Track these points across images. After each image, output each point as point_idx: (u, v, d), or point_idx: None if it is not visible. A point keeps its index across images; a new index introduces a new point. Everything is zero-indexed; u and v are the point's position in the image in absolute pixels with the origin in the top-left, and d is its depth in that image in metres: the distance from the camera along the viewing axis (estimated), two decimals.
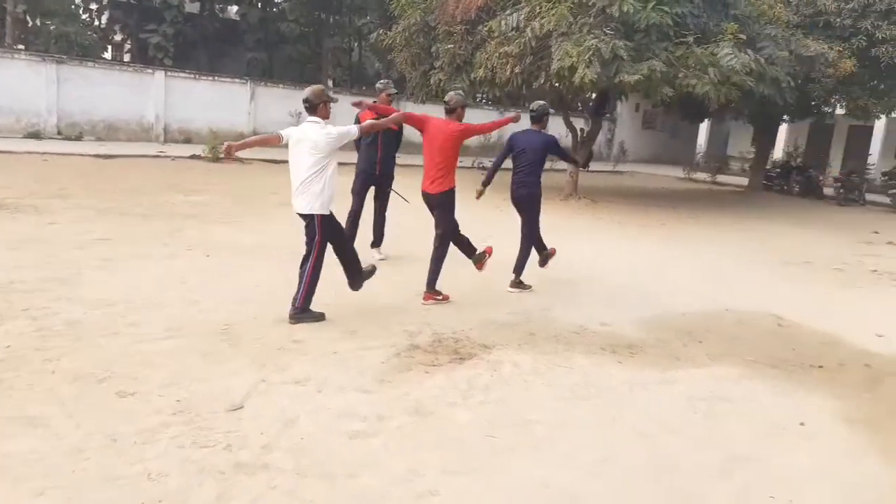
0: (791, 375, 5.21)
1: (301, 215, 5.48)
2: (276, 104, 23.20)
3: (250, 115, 22.76)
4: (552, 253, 7.39)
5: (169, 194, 11.47)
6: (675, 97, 12.58)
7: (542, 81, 12.71)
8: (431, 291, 6.35)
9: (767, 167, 23.03)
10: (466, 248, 6.76)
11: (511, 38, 12.65)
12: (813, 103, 18.66)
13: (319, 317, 5.48)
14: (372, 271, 6.08)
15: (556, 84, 12.75)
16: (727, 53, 11.81)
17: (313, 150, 5.28)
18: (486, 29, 13.25)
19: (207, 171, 15.29)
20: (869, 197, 20.81)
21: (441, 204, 6.39)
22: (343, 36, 31.86)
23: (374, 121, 6.29)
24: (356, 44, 33.69)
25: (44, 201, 9.81)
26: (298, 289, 5.45)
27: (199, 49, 28.44)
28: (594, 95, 16.01)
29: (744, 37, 12.16)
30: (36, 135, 18.68)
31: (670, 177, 25.38)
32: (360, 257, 6.10)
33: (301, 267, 5.51)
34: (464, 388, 4.42)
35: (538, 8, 12.34)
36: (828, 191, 21.83)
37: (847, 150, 27.58)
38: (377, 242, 8.18)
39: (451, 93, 6.66)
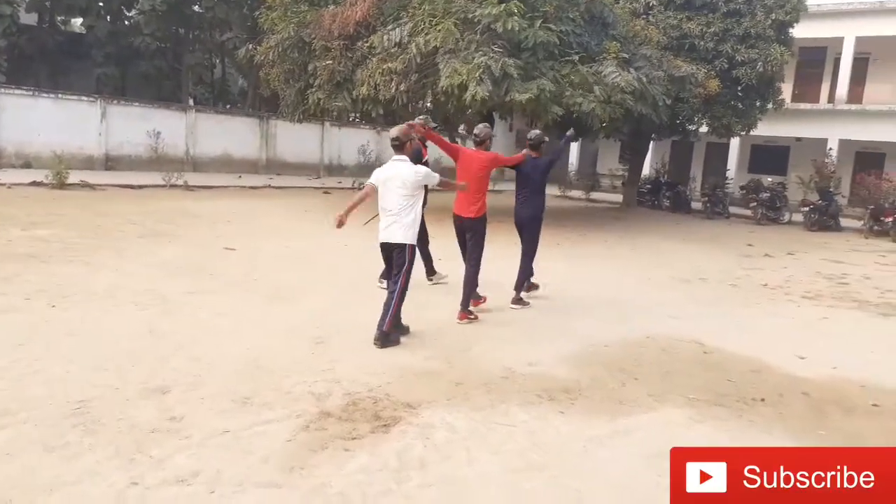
0: (739, 413, 4.80)
1: (387, 245, 5.77)
2: (132, 124, 21.23)
3: (101, 135, 20.60)
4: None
5: (4, 229, 9.75)
6: (559, 116, 12.43)
7: (428, 99, 12.13)
8: (465, 311, 6.69)
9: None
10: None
11: (394, 55, 12.00)
12: (678, 121, 19.44)
13: (405, 330, 5.86)
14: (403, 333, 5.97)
15: (444, 101, 12.21)
16: (612, 72, 11.82)
17: (402, 187, 5.60)
18: (367, 45, 12.52)
19: (52, 200, 13.38)
20: (731, 210, 22.01)
21: (475, 228, 6.80)
22: (204, 51, 29.94)
23: (448, 180, 6.40)
24: (218, 60, 31.84)
25: None
26: (385, 313, 5.63)
27: (38, 63, 25.57)
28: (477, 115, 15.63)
29: (626, 56, 12.23)
30: None
31: (547, 195, 25.63)
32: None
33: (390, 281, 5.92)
34: (395, 466, 3.59)
35: (422, 24, 11.79)
36: (695, 205, 22.90)
37: (706, 165, 29.29)
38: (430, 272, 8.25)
39: (481, 125, 7.13)
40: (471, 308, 6.78)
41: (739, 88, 18.22)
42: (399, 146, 5.68)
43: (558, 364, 5.57)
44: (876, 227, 18.65)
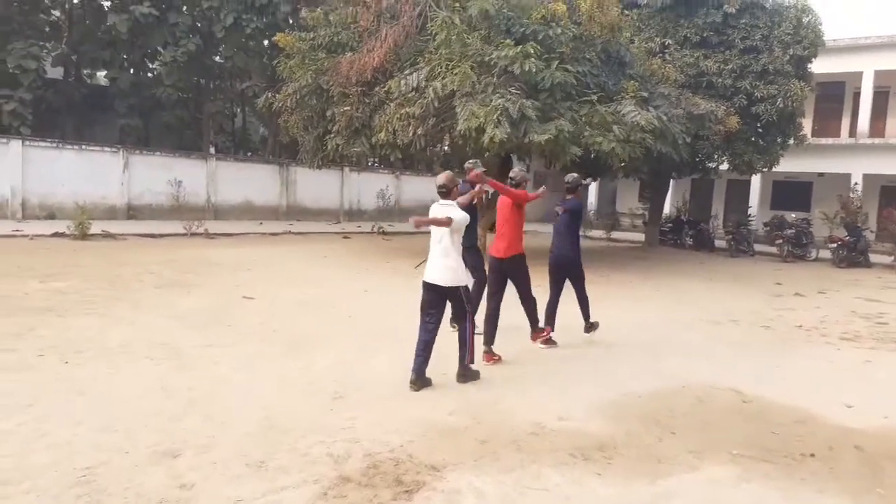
0: (788, 471, 4.46)
1: (435, 287, 5.81)
2: (153, 173, 21.46)
3: (124, 185, 20.82)
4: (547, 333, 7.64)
5: (21, 281, 9.69)
6: (578, 157, 12.27)
7: (446, 143, 12.06)
8: (537, 331, 7.35)
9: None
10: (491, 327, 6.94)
11: (412, 99, 11.97)
12: (698, 159, 19.22)
13: (477, 375, 6.07)
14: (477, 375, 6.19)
15: (462, 144, 12.12)
16: (631, 111, 11.68)
17: (440, 231, 5.81)
18: (384, 90, 12.53)
19: (73, 252, 13.39)
20: (755, 247, 21.60)
21: (510, 267, 6.93)
22: (225, 101, 30.43)
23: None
24: (239, 108, 32.34)
25: None
26: (463, 351, 5.96)
27: (65, 116, 26.10)
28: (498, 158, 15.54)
29: (645, 94, 12.11)
30: None
31: None
32: None
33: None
34: None
35: (438, 68, 11.78)
36: (718, 243, 22.52)
37: (728, 203, 28.96)
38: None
39: (516, 168, 7.66)
40: (546, 332, 7.42)
41: (759, 125, 18.01)
42: (446, 192, 5.93)
43: (590, 417, 5.27)
44: None
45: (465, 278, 5.94)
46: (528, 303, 7.19)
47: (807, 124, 22.51)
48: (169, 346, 6.56)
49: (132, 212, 20.95)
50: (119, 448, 4.16)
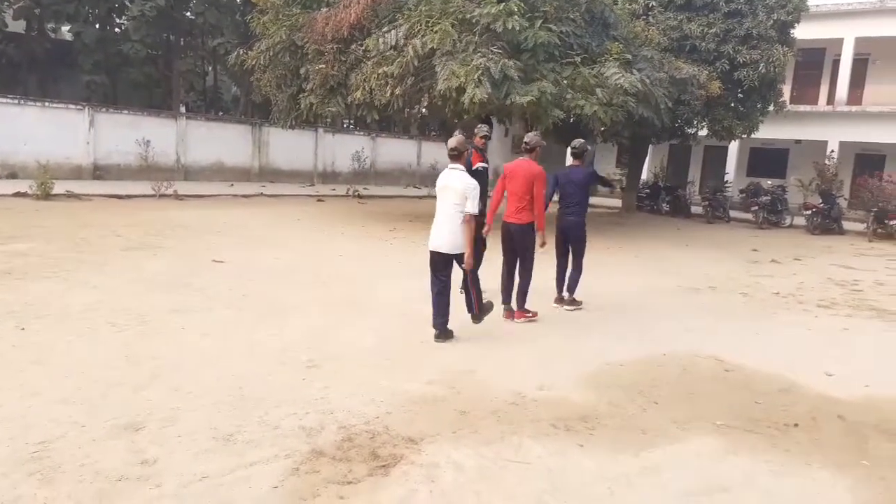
0: (773, 441, 4.37)
1: (439, 254, 5.92)
2: (120, 132, 20.72)
3: (89, 144, 20.08)
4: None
5: None
6: (560, 120, 12.00)
7: (425, 104, 11.71)
8: (522, 310, 6.99)
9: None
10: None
11: (390, 58, 11.57)
12: (677, 124, 19.04)
13: (490, 306, 6.38)
14: (490, 307, 6.45)
15: (441, 105, 11.78)
16: (614, 73, 11.42)
17: (454, 195, 5.80)
18: (362, 48, 12.09)
19: (35, 212, 12.88)
20: (731, 213, 21.65)
21: (521, 232, 6.81)
22: (196, 58, 29.52)
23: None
24: (210, 66, 31.41)
25: None
26: (469, 302, 6.27)
27: (27, 72, 25.11)
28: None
29: (629, 57, 11.84)
30: None
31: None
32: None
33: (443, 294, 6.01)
34: None
35: (418, 25, 11.37)
36: (694, 209, 22.54)
37: (704, 169, 28.97)
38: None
39: (532, 133, 7.12)
40: (526, 307, 7.06)
41: (741, 90, 17.85)
42: (456, 156, 5.92)
43: (572, 387, 5.13)
44: (880, 230, 18.33)
45: (462, 245, 5.89)
46: (526, 275, 6.98)
47: (785, 91, 22.39)
48: (134, 312, 6.27)
49: (98, 172, 20.28)
50: (77, 421, 3.91)
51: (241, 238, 11.49)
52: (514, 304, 7.07)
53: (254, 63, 14.41)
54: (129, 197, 16.24)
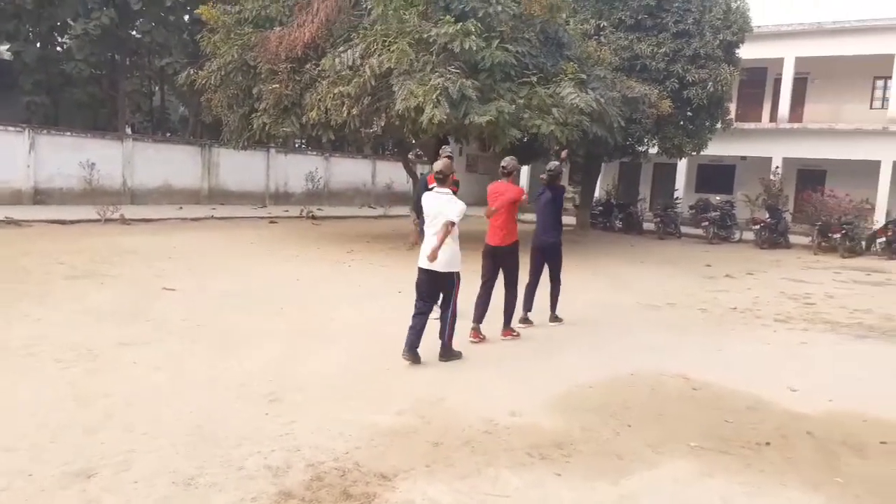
0: (747, 462, 4.35)
1: (430, 273, 6.02)
2: (63, 155, 19.97)
3: (30, 167, 19.29)
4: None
5: None
6: (517, 140, 12.03)
7: (382, 123, 11.59)
8: (508, 329, 7.22)
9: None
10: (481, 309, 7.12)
11: (346, 78, 11.43)
12: (628, 142, 19.34)
13: (459, 355, 6.26)
14: (459, 356, 6.37)
15: (399, 125, 11.68)
16: (570, 93, 11.51)
17: (440, 218, 5.92)
18: (317, 68, 11.92)
19: None
20: (682, 229, 22.08)
21: (505, 255, 7.07)
22: (142, 78, 28.81)
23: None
24: (157, 87, 30.68)
25: None
26: (444, 331, 6.16)
27: None
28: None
29: (584, 76, 11.98)
30: None
31: None
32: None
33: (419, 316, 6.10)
34: None
35: (374, 45, 11.28)
36: (646, 225, 22.91)
37: (654, 186, 29.54)
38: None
39: (508, 158, 7.30)
40: (513, 326, 7.32)
41: (690, 109, 18.26)
42: (442, 179, 6.08)
43: (543, 412, 5.04)
44: (824, 244, 18.89)
45: (458, 265, 6.13)
46: (512, 292, 7.23)
47: (731, 109, 23.06)
48: (81, 347, 5.94)
49: (40, 196, 19.49)
50: (23, 470, 3.62)
51: (192, 264, 11.13)
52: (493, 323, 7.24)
53: (204, 82, 14.08)
54: (72, 222, 15.64)
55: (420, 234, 8.10)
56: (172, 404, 4.71)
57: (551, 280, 8.05)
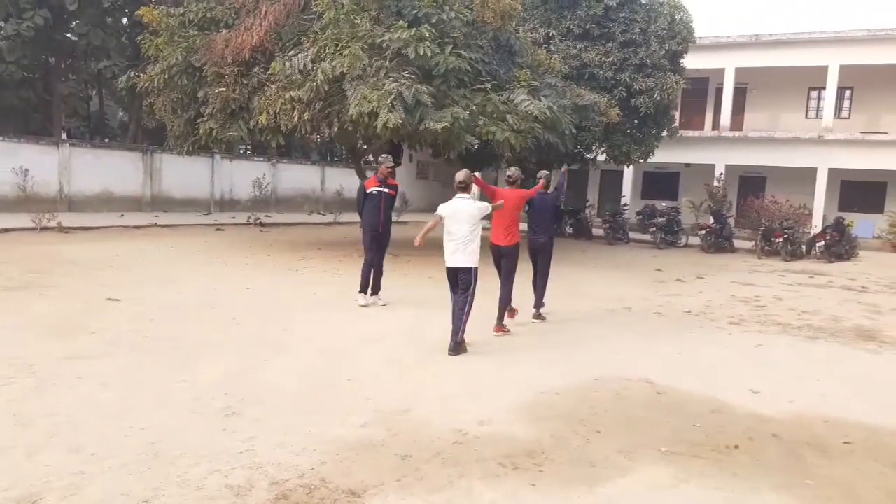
0: (719, 466, 4.34)
1: (454, 269, 6.83)
2: None
3: None
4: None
5: None
6: (472, 146, 11.98)
7: (334, 129, 11.37)
8: (500, 325, 7.77)
9: None
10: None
11: (296, 82, 11.17)
12: (577, 150, 19.57)
13: (466, 349, 6.76)
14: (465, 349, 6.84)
15: (352, 130, 11.48)
16: (524, 100, 11.53)
17: (468, 221, 6.75)
18: (267, 72, 11.62)
19: None
20: (630, 235, 22.43)
21: (510, 254, 7.85)
22: (79, 82, 27.71)
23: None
24: (95, 91, 29.61)
25: None
26: (457, 326, 6.70)
27: None
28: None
29: (537, 84, 12.02)
30: None
31: None
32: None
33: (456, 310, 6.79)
34: None
35: (325, 49, 11.06)
36: (595, 231, 23.20)
37: (602, 192, 30.01)
38: (375, 290, 9.13)
39: (513, 168, 8.29)
40: (504, 322, 7.86)
41: (637, 117, 18.59)
42: (464, 188, 6.89)
43: (513, 420, 4.94)
44: (767, 248, 19.47)
45: (477, 261, 6.84)
46: (508, 286, 7.92)
47: (675, 117, 23.62)
48: (20, 362, 5.55)
49: None
50: None
51: (137, 273, 10.66)
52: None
53: (146, 86, 13.58)
54: (5, 230, 14.84)
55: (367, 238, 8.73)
56: (122, 422, 4.43)
57: (540, 276, 8.71)
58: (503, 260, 7.92)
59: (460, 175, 6.91)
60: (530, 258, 8.76)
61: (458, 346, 6.67)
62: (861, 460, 4.57)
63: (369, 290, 9.05)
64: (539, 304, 8.74)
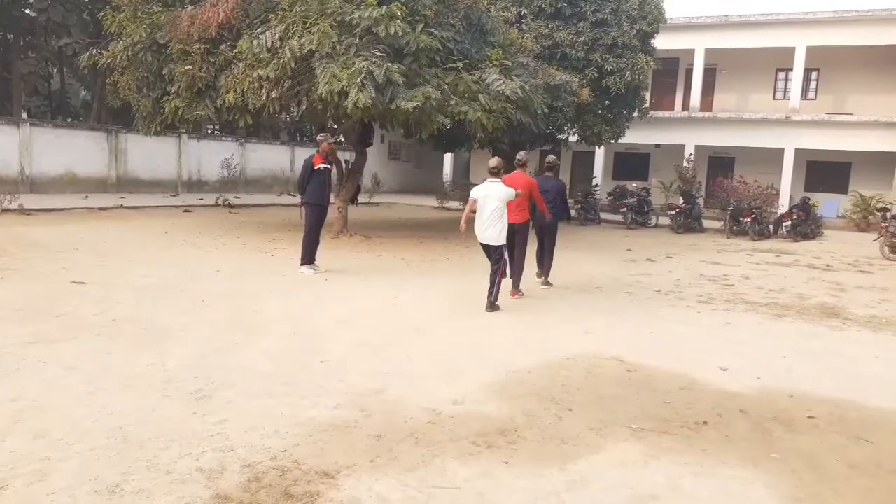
0: (688, 442, 4.41)
1: (486, 245, 8.06)
2: None
3: None
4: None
5: None
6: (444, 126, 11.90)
7: (304, 108, 11.20)
8: (516, 289, 8.83)
9: None
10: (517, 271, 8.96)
11: (265, 60, 10.96)
12: (549, 130, 19.59)
13: (498, 308, 7.91)
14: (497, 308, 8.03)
15: (321, 109, 11.32)
16: (496, 79, 11.47)
17: (496, 201, 7.82)
18: (234, 50, 11.38)
19: None
20: (602, 215, 22.62)
21: (522, 229, 8.77)
22: (39, 59, 26.97)
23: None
24: (56, 69, 28.84)
25: None
26: (492, 288, 7.88)
27: None
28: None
29: (509, 63, 11.95)
30: None
31: (425, 206, 25.31)
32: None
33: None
34: None
35: (294, 26, 10.85)
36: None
37: (573, 173, 30.14)
38: (313, 259, 9.88)
39: (523, 152, 9.26)
40: (520, 287, 8.91)
41: (608, 97, 18.64)
42: (496, 172, 8.00)
43: (485, 399, 4.95)
44: (735, 228, 19.78)
45: (504, 238, 7.97)
46: (521, 254, 8.87)
47: (646, 98, 23.74)
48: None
49: None
50: None
51: (102, 255, 10.46)
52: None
53: (109, 63, 13.24)
54: None
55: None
56: (90, 406, 4.35)
57: (547, 252, 9.71)
58: (516, 235, 8.70)
59: (493, 161, 8.04)
60: (537, 235, 9.60)
61: (492, 305, 7.82)
62: (825, 433, 4.68)
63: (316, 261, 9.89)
64: (547, 272, 9.75)
